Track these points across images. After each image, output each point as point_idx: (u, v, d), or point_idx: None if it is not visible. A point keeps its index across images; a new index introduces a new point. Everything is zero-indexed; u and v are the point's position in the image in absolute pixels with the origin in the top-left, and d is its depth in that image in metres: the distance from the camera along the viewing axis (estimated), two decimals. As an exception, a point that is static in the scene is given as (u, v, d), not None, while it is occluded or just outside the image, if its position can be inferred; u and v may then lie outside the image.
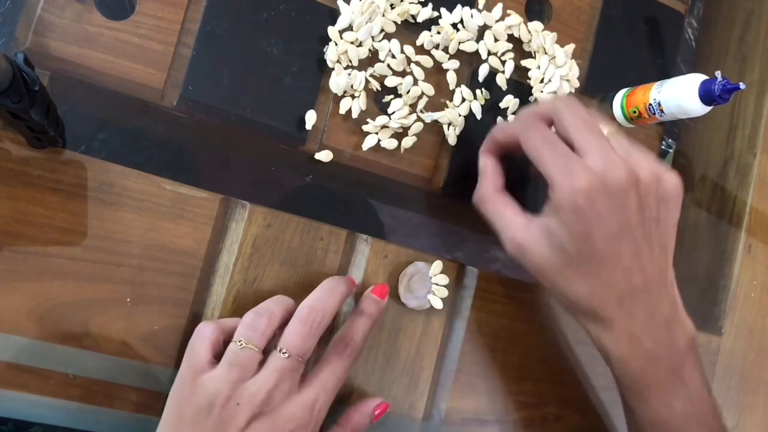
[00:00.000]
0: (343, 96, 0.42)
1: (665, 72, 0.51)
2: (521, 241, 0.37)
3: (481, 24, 0.44)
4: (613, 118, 0.48)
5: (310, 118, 0.41)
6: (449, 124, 0.44)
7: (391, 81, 0.42)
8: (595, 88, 0.48)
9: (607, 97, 0.48)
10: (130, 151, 0.38)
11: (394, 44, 0.42)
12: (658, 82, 0.44)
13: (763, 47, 0.54)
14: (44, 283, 0.36)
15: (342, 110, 0.42)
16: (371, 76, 0.42)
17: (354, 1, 0.42)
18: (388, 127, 0.42)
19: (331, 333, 0.40)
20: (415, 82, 0.43)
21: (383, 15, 0.42)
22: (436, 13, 0.44)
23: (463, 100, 0.44)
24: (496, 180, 0.40)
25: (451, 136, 0.44)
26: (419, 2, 0.43)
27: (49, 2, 0.37)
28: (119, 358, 0.37)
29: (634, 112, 0.46)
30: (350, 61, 0.42)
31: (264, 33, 0.41)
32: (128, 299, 0.37)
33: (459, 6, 0.44)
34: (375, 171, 0.43)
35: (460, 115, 0.44)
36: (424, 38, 0.43)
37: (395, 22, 0.42)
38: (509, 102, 0.45)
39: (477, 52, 0.44)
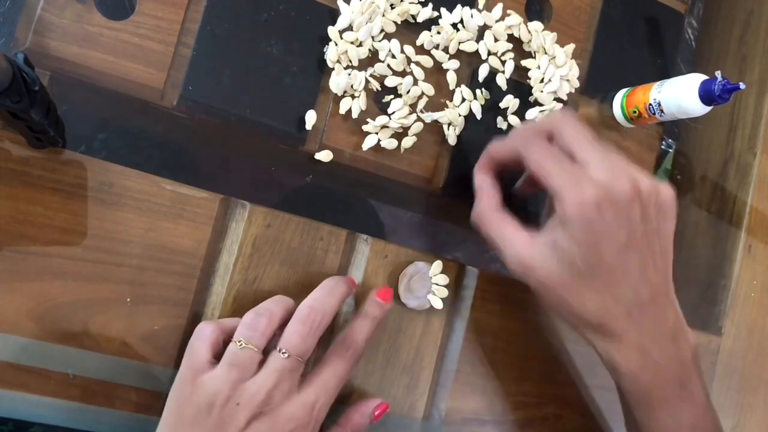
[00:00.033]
0: (343, 96, 0.42)
1: (665, 72, 0.51)
2: (526, 258, 0.36)
3: (481, 24, 0.44)
4: (613, 118, 0.48)
5: (310, 118, 0.41)
6: (449, 124, 0.44)
7: (391, 81, 0.42)
8: (595, 88, 0.48)
9: (607, 97, 0.48)
10: (130, 151, 0.38)
11: (394, 44, 0.42)
12: (658, 82, 0.44)
13: (763, 47, 0.54)
14: (44, 283, 0.36)
15: (342, 110, 0.42)
16: (371, 76, 0.42)
17: (354, 1, 0.42)
18: (388, 127, 0.42)
19: (331, 333, 0.41)
20: (415, 82, 0.43)
21: (383, 15, 0.42)
22: (436, 13, 0.44)
23: (463, 100, 0.44)
24: (494, 197, 0.39)
25: (451, 136, 0.44)
26: (419, 2, 0.43)
27: (49, 2, 0.37)
28: (119, 358, 0.37)
29: (634, 112, 0.46)
30: (350, 61, 0.42)
31: (264, 33, 0.41)
32: (128, 299, 0.37)
33: (459, 6, 0.44)
34: (375, 171, 0.43)
35: (460, 115, 0.44)
36: (424, 38, 0.43)
37: (395, 22, 0.42)
38: (509, 102, 0.45)
39: (477, 52, 0.44)
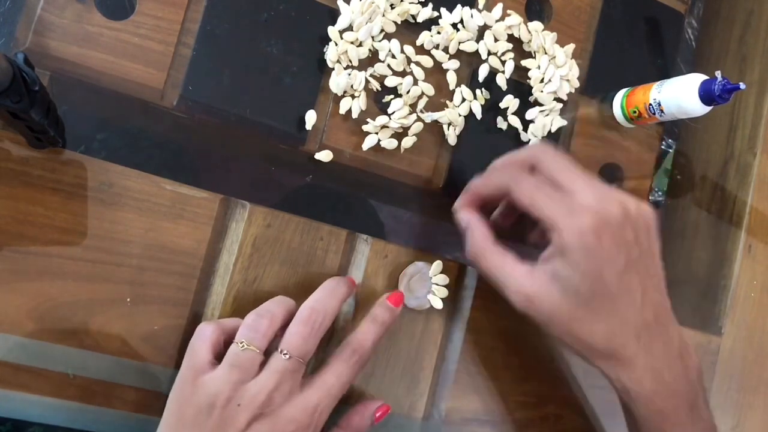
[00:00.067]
0: (343, 96, 0.42)
1: (665, 72, 0.51)
2: (529, 292, 0.35)
3: (481, 24, 0.44)
4: (613, 118, 0.48)
5: (310, 118, 0.41)
6: (449, 124, 0.44)
7: (391, 81, 0.42)
8: (595, 88, 0.48)
9: (607, 97, 0.48)
10: (130, 151, 0.38)
11: (394, 44, 0.42)
12: (658, 82, 0.44)
13: (763, 47, 0.54)
14: (44, 283, 0.36)
15: (342, 110, 0.42)
16: (371, 76, 0.42)
17: (354, 1, 0.42)
18: (388, 127, 0.42)
19: (332, 334, 0.40)
20: (415, 82, 0.43)
21: (383, 15, 0.42)
22: (436, 13, 0.44)
23: (463, 100, 0.44)
24: (486, 232, 0.38)
25: (451, 136, 0.44)
26: (419, 2, 0.43)
27: (49, 2, 0.37)
28: (119, 358, 0.37)
29: (634, 112, 0.46)
30: (350, 61, 0.42)
31: (264, 33, 0.41)
32: (128, 299, 0.37)
33: (459, 6, 0.44)
34: (375, 171, 0.43)
35: (460, 115, 0.44)
36: (424, 38, 0.43)
37: (395, 22, 0.42)
38: (509, 102, 0.45)
39: (477, 52, 0.44)
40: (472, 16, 0.44)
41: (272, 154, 0.41)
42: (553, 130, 0.46)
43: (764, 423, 0.53)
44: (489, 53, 0.45)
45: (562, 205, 0.34)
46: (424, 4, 0.43)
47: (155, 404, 0.37)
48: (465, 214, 0.39)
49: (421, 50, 0.43)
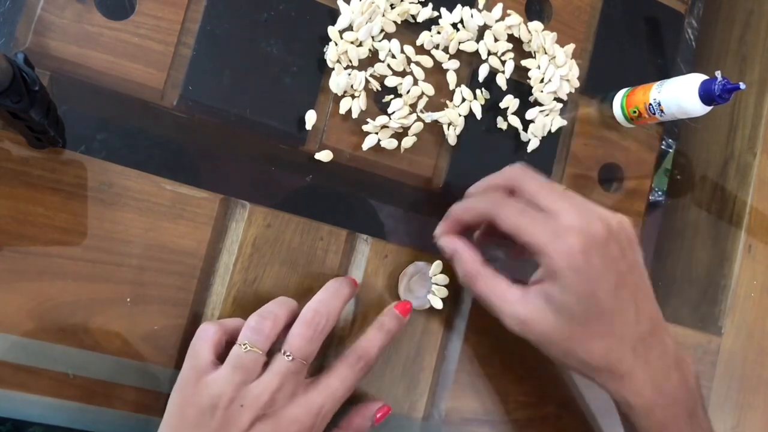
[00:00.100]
0: (343, 96, 0.42)
1: (665, 72, 0.51)
2: (523, 316, 0.36)
3: (481, 24, 0.44)
4: (613, 118, 0.48)
5: (310, 118, 0.41)
6: (449, 124, 0.44)
7: (391, 81, 0.42)
8: (595, 88, 0.48)
9: (607, 97, 0.48)
10: (130, 151, 0.38)
11: (394, 44, 0.42)
12: (658, 82, 0.44)
13: (763, 47, 0.54)
14: (44, 283, 0.36)
15: (342, 110, 0.42)
16: (371, 76, 0.42)
17: (354, 1, 0.42)
18: (388, 127, 0.42)
19: (331, 335, 0.40)
20: (415, 82, 0.43)
21: (383, 15, 0.42)
22: (436, 13, 0.44)
23: (463, 100, 0.44)
24: (474, 256, 0.38)
25: (451, 136, 0.44)
26: (419, 2, 0.43)
27: (49, 2, 0.37)
28: (119, 358, 0.37)
29: (634, 112, 0.46)
30: (350, 61, 0.42)
31: (264, 33, 0.41)
32: (128, 299, 0.37)
33: (459, 6, 0.44)
34: (375, 171, 0.43)
35: (460, 115, 0.44)
36: (424, 38, 0.43)
37: (395, 22, 0.42)
38: (509, 102, 0.45)
39: (477, 52, 0.44)
40: (472, 16, 0.44)
41: (272, 154, 0.41)
42: (553, 130, 0.46)
43: (764, 423, 0.53)
44: (489, 53, 0.45)
45: (546, 229, 0.35)
46: (424, 4, 0.43)
47: (155, 404, 0.37)
48: (449, 241, 0.40)
49: (421, 50, 0.43)
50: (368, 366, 0.38)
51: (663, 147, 0.51)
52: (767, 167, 0.53)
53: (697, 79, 0.42)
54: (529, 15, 0.47)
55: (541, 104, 0.46)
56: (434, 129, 0.44)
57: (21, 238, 0.36)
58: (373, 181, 0.43)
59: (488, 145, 0.45)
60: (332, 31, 0.41)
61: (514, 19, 0.44)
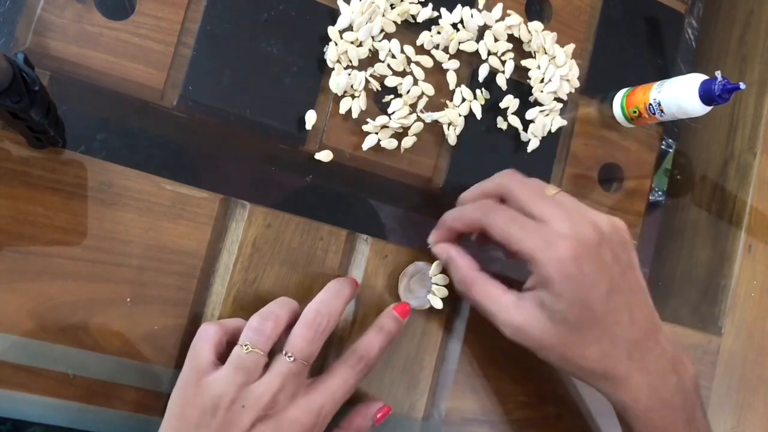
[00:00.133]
0: (343, 96, 0.42)
1: (665, 72, 0.51)
2: (518, 322, 0.36)
3: (481, 24, 0.44)
4: (613, 118, 0.48)
5: (310, 118, 0.41)
6: (449, 124, 0.44)
7: (391, 81, 0.42)
8: (595, 88, 0.48)
9: (607, 97, 0.48)
10: (130, 151, 0.38)
11: (394, 44, 0.42)
12: (658, 82, 0.44)
13: (763, 47, 0.54)
14: (44, 283, 0.36)
15: (342, 110, 0.42)
16: (371, 76, 0.42)
17: (354, 1, 0.42)
18: (388, 127, 0.42)
19: (331, 335, 0.40)
20: (415, 82, 0.43)
21: (383, 15, 0.42)
22: (436, 13, 0.43)
23: (463, 100, 0.44)
24: (469, 262, 0.39)
25: (451, 136, 0.44)
26: (419, 2, 0.43)
27: (49, 2, 0.37)
28: (119, 358, 0.37)
29: (634, 112, 0.46)
30: (350, 61, 0.42)
31: (264, 33, 0.41)
32: (128, 299, 0.37)
33: (459, 6, 0.44)
34: (375, 171, 0.43)
35: (460, 115, 0.44)
36: (424, 38, 0.43)
37: (395, 22, 0.42)
38: (509, 102, 0.45)
39: (477, 52, 0.44)
40: (472, 16, 0.44)
41: (272, 154, 0.41)
42: (553, 130, 0.46)
43: (764, 423, 0.53)
44: (489, 53, 0.45)
45: (537, 237, 0.35)
46: (424, 4, 0.43)
47: (155, 404, 0.37)
48: (442, 248, 0.40)
49: (421, 50, 0.43)
50: (368, 367, 0.38)
51: (663, 147, 0.51)
52: (767, 167, 0.53)
53: (697, 79, 0.42)
54: (529, 15, 0.47)
55: (541, 104, 0.46)
56: (434, 129, 0.44)
57: (21, 238, 0.36)
58: (373, 181, 0.43)
59: (488, 145, 0.45)
60: (332, 31, 0.41)
61: (514, 19, 0.44)
